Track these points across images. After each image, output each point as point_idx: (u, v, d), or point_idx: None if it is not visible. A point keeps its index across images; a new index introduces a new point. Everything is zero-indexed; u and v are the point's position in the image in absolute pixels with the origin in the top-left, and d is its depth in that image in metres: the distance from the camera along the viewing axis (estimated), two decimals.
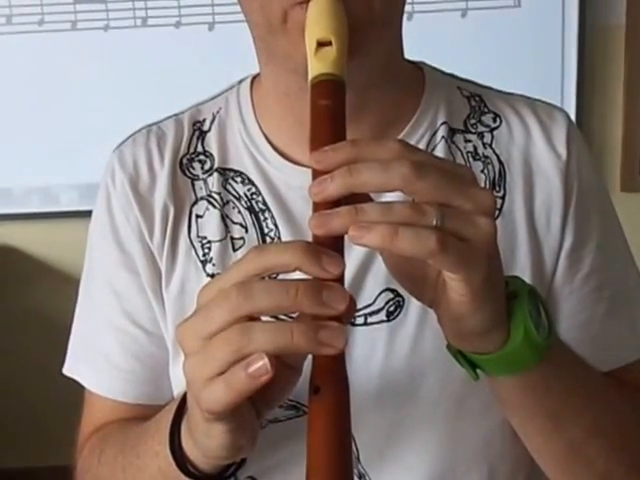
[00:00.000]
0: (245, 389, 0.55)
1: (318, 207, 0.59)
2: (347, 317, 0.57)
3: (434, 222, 0.56)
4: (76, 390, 0.96)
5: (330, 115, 0.65)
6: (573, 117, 2.43)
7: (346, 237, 0.57)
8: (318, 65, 0.69)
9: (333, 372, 0.56)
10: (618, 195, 2.53)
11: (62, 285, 2.53)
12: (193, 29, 2.43)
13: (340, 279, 0.57)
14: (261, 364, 0.55)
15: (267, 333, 0.55)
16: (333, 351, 0.55)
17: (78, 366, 0.96)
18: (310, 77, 0.69)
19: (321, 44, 0.70)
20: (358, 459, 0.85)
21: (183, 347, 0.59)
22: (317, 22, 0.71)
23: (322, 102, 0.66)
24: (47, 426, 2.64)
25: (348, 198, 0.58)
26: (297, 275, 0.57)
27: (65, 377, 0.96)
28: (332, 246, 0.57)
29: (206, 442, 0.65)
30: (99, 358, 0.92)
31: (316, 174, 0.59)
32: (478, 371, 0.70)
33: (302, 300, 0.55)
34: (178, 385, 0.89)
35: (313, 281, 0.56)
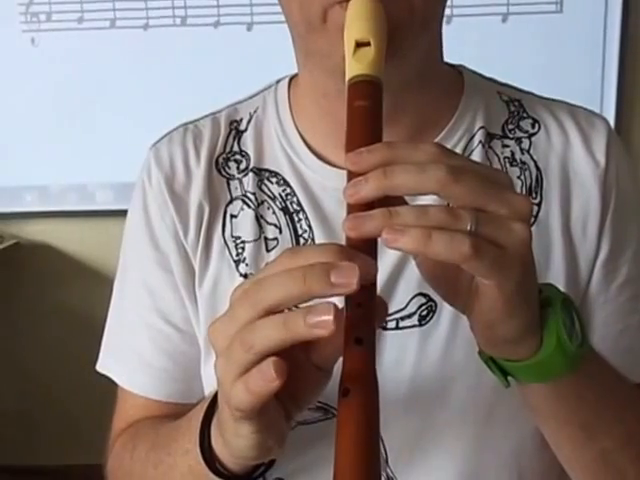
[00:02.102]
0: (262, 392, 0.55)
1: (352, 209, 0.58)
2: (380, 320, 0.57)
3: (469, 227, 0.56)
4: (110, 388, 0.97)
5: (366, 116, 0.65)
6: (612, 123, 2.40)
7: (380, 240, 0.57)
8: (356, 66, 0.68)
9: (363, 374, 0.56)
10: None
11: (96, 283, 2.55)
12: (232, 29, 2.44)
13: (373, 282, 0.56)
14: (267, 370, 0.54)
15: (271, 322, 0.55)
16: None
17: (111, 363, 0.96)
18: (347, 77, 0.68)
19: (359, 44, 0.69)
20: (387, 462, 0.85)
21: (214, 347, 0.60)
22: (356, 22, 0.71)
23: (359, 103, 0.65)
24: (80, 424, 2.65)
25: (382, 201, 0.58)
26: None
27: (99, 375, 0.97)
28: (365, 249, 0.57)
29: (235, 442, 0.64)
30: (132, 355, 0.93)
31: (351, 176, 0.59)
32: (509, 378, 0.69)
33: (311, 285, 0.54)
34: (210, 384, 0.89)
35: (320, 264, 0.55)
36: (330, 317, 0.53)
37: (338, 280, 0.54)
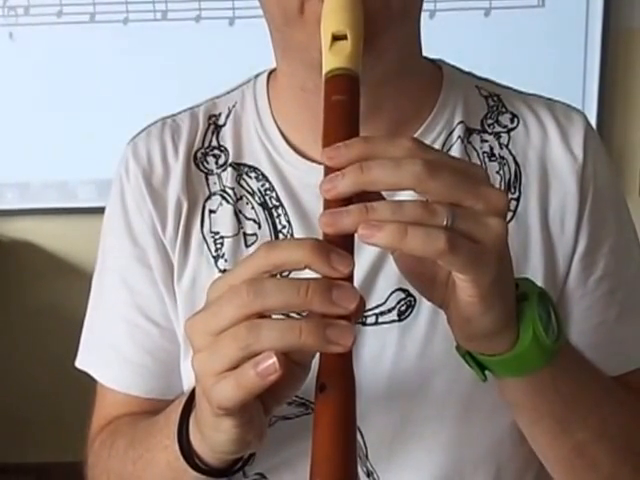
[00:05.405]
0: (254, 387, 0.56)
1: (329, 204, 0.59)
2: (356, 316, 0.57)
3: (444, 222, 0.56)
4: (92, 385, 0.97)
5: (343, 111, 0.64)
6: (594, 119, 2.41)
7: (357, 236, 0.57)
8: (333, 59, 0.68)
9: (339, 370, 0.56)
10: (637, 200, 2.51)
11: (78, 281, 2.52)
12: (213, 23, 2.42)
13: (349, 278, 0.56)
14: (270, 363, 0.55)
15: (275, 331, 0.55)
16: (341, 349, 0.54)
17: (90, 359, 0.96)
18: (324, 71, 0.68)
19: (336, 38, 0.69)
20: (367, 457, 0.85)
21: (192, 342, 0.59)
22: (332, 15, 0.70)
23: (336, 97, 0.65)
24: (61, 421, 2.64)
25: (360, 196, 0.58)
26: (308, 273, 0.56)
27: (81, 372, 0.96)
28: (342, 244, 0.57)
29: (214, 436, 0.65)
30: (111, 352, 0.93)
31: (328, 171, 0.59)
32: (486, 372, 0.70)
33: (312, 299, 0.54)
34: (189, 380, 0.89)
35: (323, 280, 0.56)
36: (351, 338, 0.54)
37: (339, 300, 0.55)
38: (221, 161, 0.90)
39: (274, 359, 0.54)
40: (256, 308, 0.55)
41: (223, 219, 0.88)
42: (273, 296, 0.55)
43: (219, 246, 0.87)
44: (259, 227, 0.87)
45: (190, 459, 0.73)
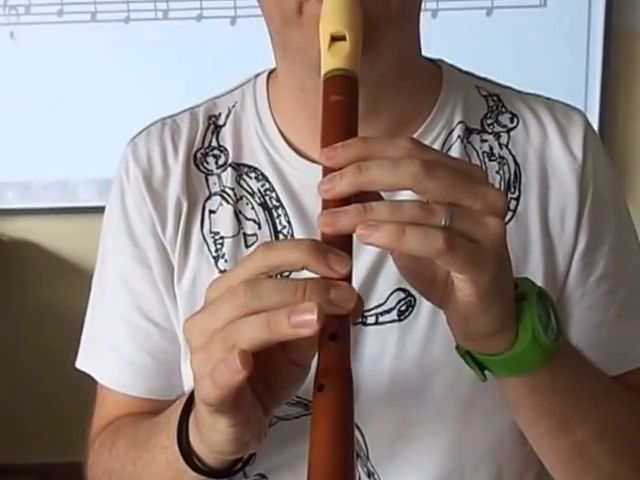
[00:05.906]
0: (227, 384, 0.55)
1: (327, 205, 0.59)
2: (355, 316, 0.57)
3: (443, 222, 0.56)
4: (93, 385, 0.97)
5: (342, 111, 0.65)
6: (596, 119, 2.41)
7: (355, 236, 0.57)
8: (331, 60, 0.68)
9: (337, 370, 0.56)
10: (639, 201, 2.50)
11: (79, 280, 2.51)
12: (215, 23, 2.41)
13: (348, 278, 0.56)
14: (232, 362, 0.54)
15: (254, 326, 0.55)
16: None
17: (90, 360, 0.96)
18: (323, 72, 0.68)
19: (335, 39, 0.69)
20: (367, 457, 0.85)
21: (190, 342, 0.60)
22: (331, 16, 0.70)
23: (334, 98, 0.65)
24: (63, 421, 2.64)
25: (358, 196, 0.58)
26: (307, 274, 0.56)
27: (82, 372, 0.97)
28: (340, 244, 0.57)
29: (212, 436, 0.65)
30: (111, 352, 0.93)
31: (326, 171, 0.59)
32: (486, 372, 0.70)
33: (310, 299, 0.54)
34: (189, 380, 0.88)
35: (321, 280, 0.56)
36: (313, 317, 0.53)
37: (337, 300, 0.55)
38: (221, 161, 0.90)
39: (236, 359, 0.54)
40: (253, 308, 0.56)
41: (223, 219, 0.88)
42: (270, 296, 0.55)
43: (219, 246, 0.87)
44: (259, 227, 0.87)
45: (190, 460, 0.73)
